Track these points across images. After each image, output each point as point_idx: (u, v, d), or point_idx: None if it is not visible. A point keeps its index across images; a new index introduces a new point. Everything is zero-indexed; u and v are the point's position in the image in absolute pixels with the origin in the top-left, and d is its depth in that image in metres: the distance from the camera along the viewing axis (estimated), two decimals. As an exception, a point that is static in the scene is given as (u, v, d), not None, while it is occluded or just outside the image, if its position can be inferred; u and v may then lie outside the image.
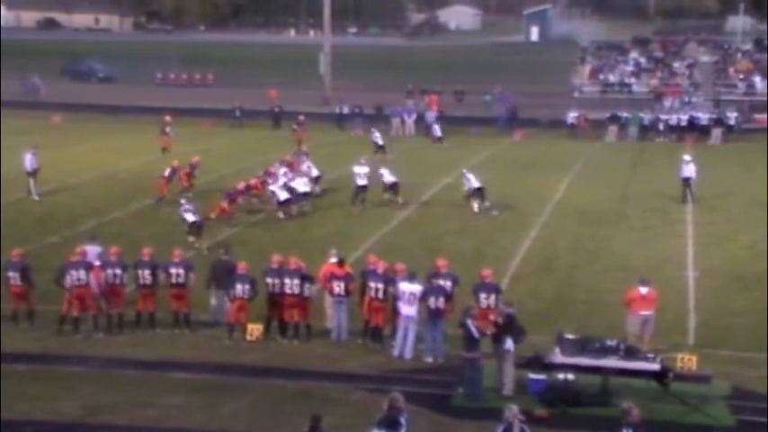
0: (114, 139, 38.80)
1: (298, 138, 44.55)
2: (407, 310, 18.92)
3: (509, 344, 17.07)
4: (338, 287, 19.77)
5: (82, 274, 19.64)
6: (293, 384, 17.58)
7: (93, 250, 21.39)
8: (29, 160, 32.80)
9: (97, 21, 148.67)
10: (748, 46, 67.60)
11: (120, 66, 78.75)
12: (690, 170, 34.86)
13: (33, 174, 32.58)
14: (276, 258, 20.22)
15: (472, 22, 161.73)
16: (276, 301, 19.78)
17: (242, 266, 19.98)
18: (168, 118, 43.20)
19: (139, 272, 20.08)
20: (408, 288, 19.02)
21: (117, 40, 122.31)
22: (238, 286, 19.64)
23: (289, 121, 53.07)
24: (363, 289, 19.70)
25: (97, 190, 34.24)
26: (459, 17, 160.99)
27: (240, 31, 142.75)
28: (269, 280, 19.75)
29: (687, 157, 35.65)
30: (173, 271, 20.09)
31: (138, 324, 20.15)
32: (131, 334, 19.86)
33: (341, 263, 20.47)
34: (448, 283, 19.44)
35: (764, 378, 17.93)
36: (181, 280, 20.10)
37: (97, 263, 20.32)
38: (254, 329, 19.66)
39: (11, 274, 20.17)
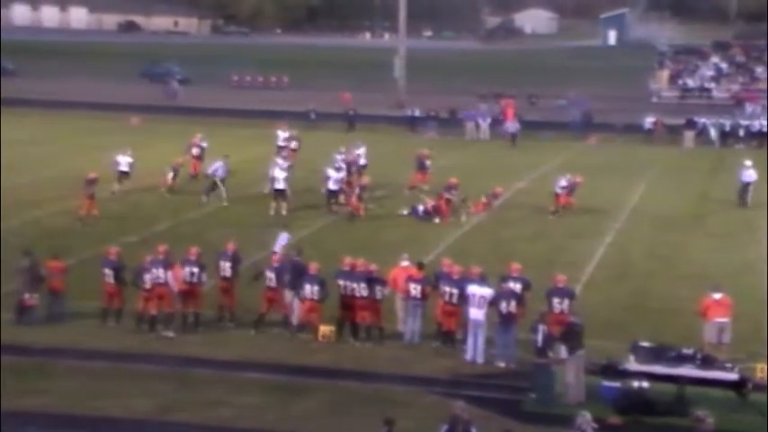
0: (188, 142, 39.25)
1: None
2: (476, 313, 18.82)
3: (563, 352, 16.86)
4: (414, 290, 19.76)
5: (161, 272, 19.89)
6: (364, 386, 17.60)
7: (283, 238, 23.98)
8: (220, 167, 33.16)
9: (176, 24, 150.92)
10: None
11: (196, 68, 79.84)
12: (749, 175, 34.70)
13: (222, 181, 32.92)
14: (348, 261, 20.28)
15: (548, 25, 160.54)
16: (348, 303, 19.82)
17: (313, 267, 20.07)
18: (199, 136, 38.39)
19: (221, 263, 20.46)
20: (478, 291, 18.93)
21: (194, 42, 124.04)
22: (307, 287, 19.74)
23: (363, 124, 53.30)
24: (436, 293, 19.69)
25: (174, 191, 34.67)
26: (534, 21, 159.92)
27: (315, 35, 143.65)
28: (341, 282, 19.81)
29: (748, 162, 35.48)
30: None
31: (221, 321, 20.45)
32: (205, 333, 20.06)
33: (420, 266, 20.48)
34: (518, 287, 19.31)
35: None
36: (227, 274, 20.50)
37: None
38: (327, 331, 19.73)
39: (106, 271, 20.46)
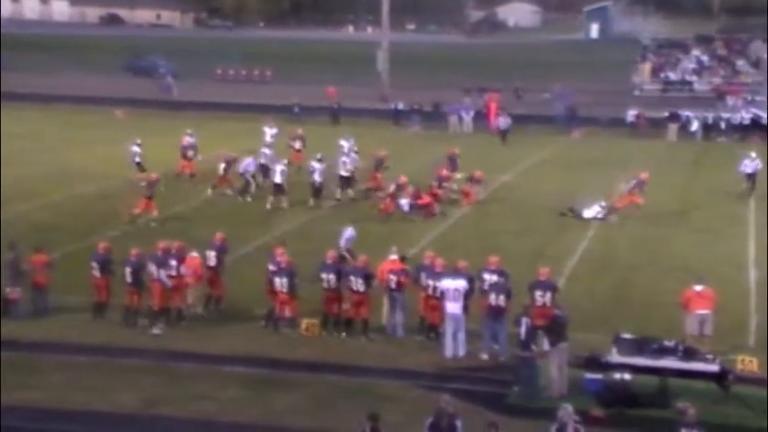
0: (175, 136, 39.19)
1: None
2: (452, 307, 18.84)
3: (546, 345, 16.98)
4: (392, 281, 19.85)
5: (153, 268, 19.92)
6: (348, 380, 17.68)
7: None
8: (251, 163, 33.14)
9: (159, 17, 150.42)
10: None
11: (180, 62, 79.65)
12: (753, 166, 35.39)
13: (254, 177, 32.93)
14: (331, 254, 20.35)
15: (531, 19, 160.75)
16: (332, 296, 19.89)
17: (284, 261, 20.13)
18: (189, 137, 37.35)
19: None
20: (452, 284, 18.96)
21: (178, 36, 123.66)
22: (276, 280, 19.79)
23: (346, 118, 53.32)
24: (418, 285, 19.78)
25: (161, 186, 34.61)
26: (518, 14, 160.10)
27: (299, 28, 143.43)
28: (325, 275, 19.86)
29: (753, 154, 36.10)
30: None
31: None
32: (189, 328, 20.11)
33: (402, 259, 20.59)
34: (494, 278, 19.35)
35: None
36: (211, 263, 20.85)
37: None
38: (311, 324, 19.80)
39: (93, 264, 20.49)
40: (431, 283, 19.50)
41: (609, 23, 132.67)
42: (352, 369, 18.13)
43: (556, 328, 17.20)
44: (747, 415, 16.19)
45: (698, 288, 19.19)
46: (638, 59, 67.10)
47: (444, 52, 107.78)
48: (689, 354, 17.11)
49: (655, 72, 64.71)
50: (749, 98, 58.19)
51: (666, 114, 53.91)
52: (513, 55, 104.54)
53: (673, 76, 63.98)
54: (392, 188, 31.48)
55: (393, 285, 19.85)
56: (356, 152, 35.97)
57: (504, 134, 49.73)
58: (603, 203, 31.61)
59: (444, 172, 33.73)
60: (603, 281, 24.59)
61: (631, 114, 54.86)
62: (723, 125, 52.83)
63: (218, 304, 20.97)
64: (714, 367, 16.79)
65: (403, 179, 31.84)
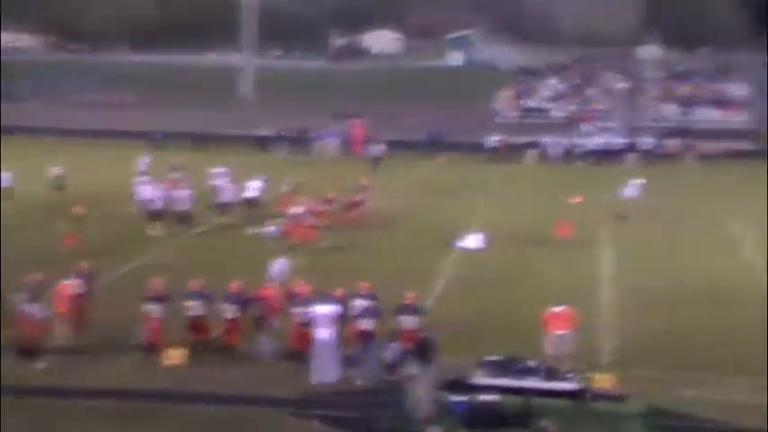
0: (30, 161, 38.38)
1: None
2: (322, 332, 18.96)
3: (414, 368, 17.29)
4: (259, 310, 19.90)
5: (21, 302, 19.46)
6: (217, 410, 17.57)
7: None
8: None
9: (17, 40, 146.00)
10: (659, 74, 69.50)
11: (37, 85, 77.53)
12: (633, 191, 38.00)
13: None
14: (195, 282, 20.26)
15: (394, 46, 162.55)
16: (197, 324, 19.77)
17: (156, 287, 19.96)
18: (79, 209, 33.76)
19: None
20: (322, 310, 19.10)
21: (36, 59, 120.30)
22: (150, 307, 19.62)
23: (212, 144, 52.98)
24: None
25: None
26: (381, 41, 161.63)
27: (163, 52, 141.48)
28: (190, 303, 19.73)
29: (638, 181, 39.25)
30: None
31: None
32: (53, 359, 19.66)
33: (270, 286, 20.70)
34: (365, 303, 19.60)
35: (678, 398, 18.50)
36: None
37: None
38: (176, 353, 19.61)
39: None
40: (298, 310, 19.59)
41: (470, 51, 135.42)
42: (221, 398, 18.03)
43: (423, 352, 17.50)
44: (603, 430, 16.82)
45: (557, 309, 19.87)
46: (498, 87, 68.81)
47: (310, 78, 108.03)
48: (550, 373, 17.66)
49: (514, 99, 66.47)
50: (601, 125, 60.39)
51: (526, 140, 55.61)
52: (378, 81, 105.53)
53: (531, 103, 65.86)
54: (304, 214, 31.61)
55: (259, 313, 19.88)
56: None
57: (377, 161, 50.34)
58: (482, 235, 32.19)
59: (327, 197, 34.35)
60: (469, 303, 25.11)
61: (493, 140, 56.36)
62: (578, 150, 54.87)
63: (82, 333, 20.55)
64: (573, 386, 17.38)
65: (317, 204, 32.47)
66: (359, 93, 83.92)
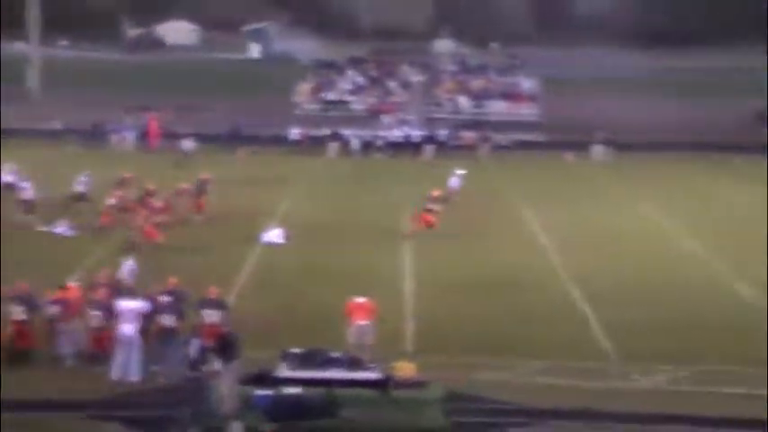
0: None
1: None
2: (127, 328, 18.61)
3: (217, 364, 17.22)
4: (56, 309, 19.28)
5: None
6: (17, 417, 16.89)
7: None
8: None
9: None
10: (453, 67, 71.41)
11: None
12: (455, 182, 38.64)
13: None
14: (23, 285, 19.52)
15: (190, 37, 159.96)
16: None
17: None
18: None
19: None
20: (128, 306, 18.72)
21: None
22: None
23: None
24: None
25: None
26: (176, 32, 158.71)
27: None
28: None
29: (460, 171, 39.42)
30: None
31: None
32: None
33: (61, 287, 20.02)
34: (167, 299, 19.32)
35: (476, 380, 19.16)
36: None
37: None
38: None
39: None
40: (95, 311, 19.09)
41: (269, 44, 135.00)
42: (21, 404, 17.32)
43: (226, 347, 17.40)
44: (405, 417, 17.21)
45: (359, 300, 20.19)
46: (298, 79, 68.86)
47: (102, 69, 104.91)
48: (354, 363, 17.91)
49: (314, 92, 66.73)
50: (401, 117, 61.50)
51: (327, 133, 56.04)
52: (175, 73, 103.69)
53: (331, 95, 66.31)
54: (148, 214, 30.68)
55: (55, 314, 19.24)
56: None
57: (186, 156, 49.45)
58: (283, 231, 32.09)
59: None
60: (272, 296, 25.12)
61: (295, 133, 56.50)
62: (379, 142, 55.76)
63: None
64: (376, 375, 17.69)
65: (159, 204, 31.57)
66: (155, 85, 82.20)
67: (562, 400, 18.44)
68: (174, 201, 34.16)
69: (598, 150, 54.18)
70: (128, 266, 23.66)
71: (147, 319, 18.89)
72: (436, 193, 33.83)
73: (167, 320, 18.82)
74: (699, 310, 24.56)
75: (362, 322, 19.94)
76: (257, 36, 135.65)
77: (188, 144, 50.46)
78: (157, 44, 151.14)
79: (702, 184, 45.30)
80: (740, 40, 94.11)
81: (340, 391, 17.37)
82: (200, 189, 35.31)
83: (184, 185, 35.67)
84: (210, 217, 34.13)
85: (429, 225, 32.35)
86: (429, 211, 32.62)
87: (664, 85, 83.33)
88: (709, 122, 64.55)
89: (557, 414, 17.85)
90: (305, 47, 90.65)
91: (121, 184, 34.80)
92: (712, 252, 30.63)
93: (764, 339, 22.28)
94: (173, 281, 20.01)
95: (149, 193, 33.14)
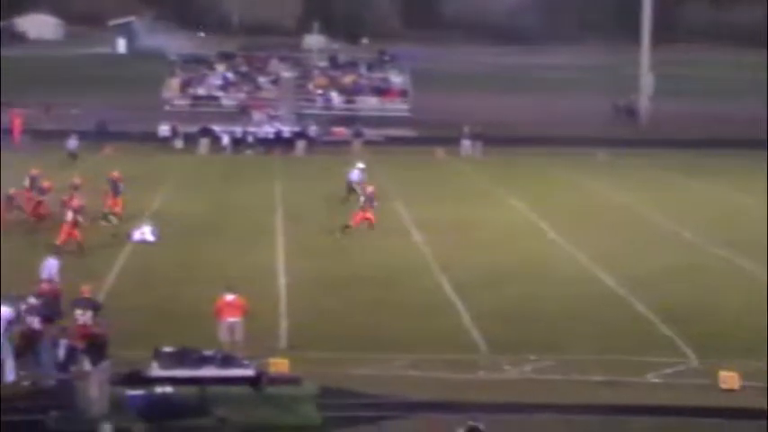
0: None
1: None
2: (-7, 333, 18.16)
3: (87, 365, 16.97)
4: None
5: None
6: None
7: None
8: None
9: None
10: (324, 63, 71.56)
11: None
12: (356, 176, 38.69)
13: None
14: None
15: (54, 32, 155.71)
16: None
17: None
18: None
19: None
20: (-5, 310, 18.27)
21: None
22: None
23: None
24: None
25: None
26: (38, 26, 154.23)
27: None
28: None
29: (361, 165, 39.66)
30: None
31: None
32: None
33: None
34: (35, 301, 18.92)
35: (349, 375, 19.35)
36: None
37: None
38: None
39: None
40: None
41: (135, 39, 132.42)
42: None
43: (96, 348, 17.14)
44: (279, 414, 17.28)
45: (228, 297, 20.17)
46: (167, 75, 67.83)
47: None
48: (227, 361, 17.86)
49: (183, 87, 65.84)
50: (272, 113, 61.25)
51: (198, 129, 55.44)
52: (40, 68, 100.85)
53: (201, 91, 65.55)
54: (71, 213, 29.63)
55: None
56: None
57: (72, 155, 48.13)
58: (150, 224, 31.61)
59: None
60: (145, 295, 24.78)
61: (164, 129, 55.71)
62: (251, 139, 55.46)
63: None
64: (250, 372, 17.69)
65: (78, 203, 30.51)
66: (17, 80, 79.76)
67: (433, 392, 18.79)
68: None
69: (467, 145, 55.13)
70: (49, 265, 23.10)
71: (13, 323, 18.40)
72: (370, 189, 33.89)
73: (35, 323, 18.39)
74: (565, 300, 25.32)
75: (232, 319, 19.95)
76: (124, 31, 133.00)
77: (73, 143, 49.36)
78: (19, 38, 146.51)
79: (567, 178, 46.62)
80: (603, 38, 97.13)
81: (213, 390, 17.32)
82: (114, 188, 34.72)
83: (77, 180, 35.14)
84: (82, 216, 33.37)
85: (369, 222, 32.53)
86: (365, 209, 32.72)
87: (530, 81, 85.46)
88: (574, 117, 66.57)
89: (428, 406, 18.18)
90: (173, 42, 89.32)
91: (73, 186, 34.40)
92: (578, 244, 31.58)
93: (627, 327, 23.18)
94: (45, 285, 19.62)
95: (74, 186, 32.94)
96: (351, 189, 38.11)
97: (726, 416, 18.11)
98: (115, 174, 35.60)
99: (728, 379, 19.22)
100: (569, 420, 17.90)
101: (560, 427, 17.69)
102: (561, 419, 17.91)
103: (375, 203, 33.09)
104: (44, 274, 22.40)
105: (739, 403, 18.56)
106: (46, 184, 33.98)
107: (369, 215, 32.66)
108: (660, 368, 20.17)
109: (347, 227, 32.25)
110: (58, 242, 28.31)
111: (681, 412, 18.19)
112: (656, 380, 19.74)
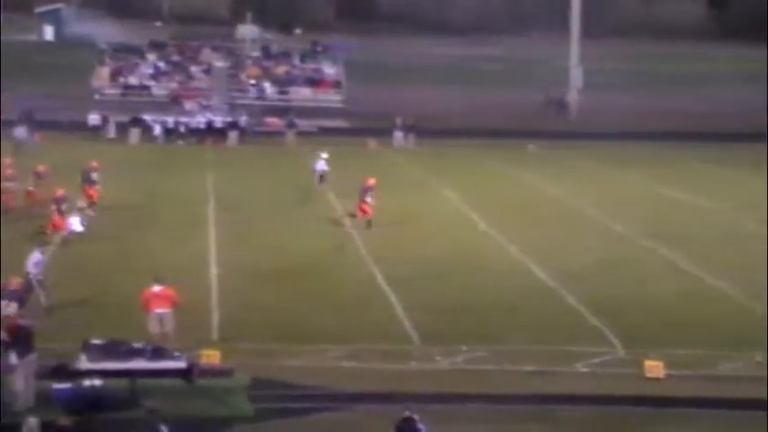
0: None
1: None
2: None
3: (12, 358, 16.69)
4: None
5: None
6: None
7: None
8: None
9: None
10: (257, 53, 71.13)
11: None
12: (321, 165, 39.29)
13: None
14: None
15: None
16: None
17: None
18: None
19: None
20: None
21: None
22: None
23: None
24: None
25: None
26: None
27: None
28: None
29: (324, 155, 39.80)
30: None
31: None
32: None
33: None
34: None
35: (282, 367, 19.30)
36: None
37: None
38: None
39: None
40: None
41: (63, 26, 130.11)
42: None
43: (21, 340, 16.85)
44: (210, 405, 17.18)
45: (156, 288, 19.98)
46: (96, 63, 66.80)
47: None
48: (157, 353, 17.69)
49: (114, 76, 64.91)
50: (204, 103, 60.71)
51: (129, 118, 54.73)
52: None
53: (132, 80, 64.70)
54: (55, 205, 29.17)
55: None
56: None
57: (20, 145, 47.12)
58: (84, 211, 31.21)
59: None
60: (78, 287, 24.41)
61: (93, 118, 54.91)
62: (183, 129, 54.91)
63: None
64: (181, 364, 17.54)
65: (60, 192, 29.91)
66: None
67: (366, 383, 18.82)
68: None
69: (399, 137, 55.24)
70: (34, 258, 22.75)
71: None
72: (371, 182, 33.58)
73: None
74: (497, 292, 25.53)
75: (160, 310, 19.78)
76: (51, 18, 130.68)
77: (21, 132, 48.48)
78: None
79: (499, 170, 46.97)
80: (537, 30, 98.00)
81: (143, 382, 17.15)
82: (87, 178, 34.20)
83: (40, 168, 34.84)
84: (10, 207, 32.82)
85: (366, 215, 32.37)
86: (365, 201, 32.56)
87: (464, 73, 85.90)
88: (506, 109, 67.13)
89: (361, 397, 18.21)
90: (103, 30, 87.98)
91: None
92: (509, 236, 31.85)
93: (557, 319, 23.46)
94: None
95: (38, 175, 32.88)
96: (321, 178, 38.92)
97: (650, 404, 18.45)
98: (93, 164, 35.21)
99: (653, 368, 19.61)
100: (500, 410, 18.07)
101: (492, 417, 17.84)
102: (493, 409, 18.08)
103: (369, 198, 32.73)
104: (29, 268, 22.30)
105: (664, 392, 18.93)
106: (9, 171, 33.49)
107: (365, 207, 32.54)
108: (588, 358, 20.46)
109: (353, 216, 32.73)
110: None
111: (608, 401, 18.48)
112: (585, 369, 20.04)
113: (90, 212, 32.30)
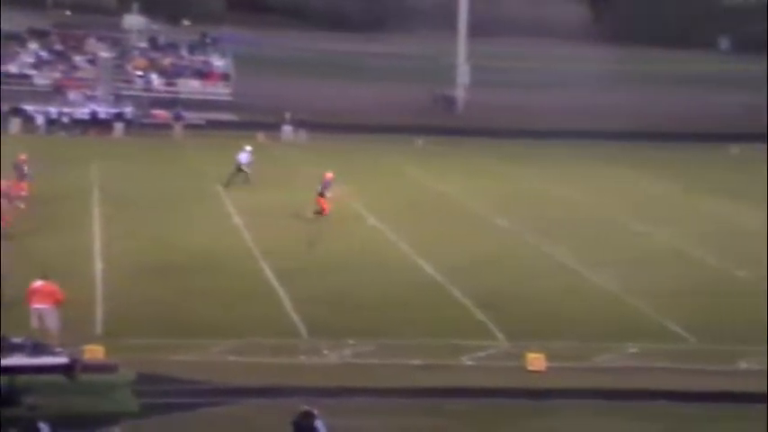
0: None
1: None
2: None
3: None
4: None
5: None
6: None
7: None
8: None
9: None
10: (144, 44, 69.96)
11: None
12: (245, 158, 38.95)
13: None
14: None
15: None
16: None
17: None
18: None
19: None
20: None
21: None
22: None
23: None
24: None
25: None
26: None
27: None
28: None
29: (248, 148, 39.63)
30: None
31: None
32: None
33: None
34: None
35: (167, 362, 19.09)
36: None
37: None
38: None
39: None
40: None
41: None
42: None
43: None
44: (94, 401, 16.87)
45: (39, 283, 19.58)
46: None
47: None
48: (38, 349, 17.27)
49: (-7, 65, 63.07)
50: (89, 93, 59.40)
51: (8, 108, 53.24)
52: None
53: (13, 69, 62.93)
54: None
55: None
56: None
57: None
58: None
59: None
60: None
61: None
62: (66, 119, 53.67)
63: None
64: (63, 360, 17.18)
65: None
66: None
67: (253, 377, 18.77)
68: None
69: (288, 131, 55.07)
70: None
71: None
72: (329, 175, 33.13)
73: None
74: (385, 286, 25.73)
75: (41, 306, 19.38)
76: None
77: None
78: None
79: (388, 166, 47.26)
80: (426, 28, 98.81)
81: (23, 378, 16.73)
82: (19, 171, 33.51)
83: None
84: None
85: (323, 209, 32.21)
86: (323, 195, 32.34)
87: (354, 69, 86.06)
88: (395, 105, 67.55)
89: (248, 392, 18.15)
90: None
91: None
92: (398, 231, 32.10)
93: (444, 313, 23.78)
94: None
95: None
96: (239, 170, 38.51)
97: (532, 396, 18.88)
98: (22, 156, 34.38)
99: (535, 361, 20.07)
100: (388, 403, 18.24)
101: (379, 410, 18.00)
102: (380, 402, 18.23)
103: (328, 192, 32.73)
104: None
105: (545, 384, 19.39)
106: None
107: (323, 202, 32.44)
108: (474, 351, 20.81)
109: (318, 212, 32.38)
110: None
111: (492, 393, 18.84)
112: (470, 362, 20.38)
113: (22, 206, 31.51)
